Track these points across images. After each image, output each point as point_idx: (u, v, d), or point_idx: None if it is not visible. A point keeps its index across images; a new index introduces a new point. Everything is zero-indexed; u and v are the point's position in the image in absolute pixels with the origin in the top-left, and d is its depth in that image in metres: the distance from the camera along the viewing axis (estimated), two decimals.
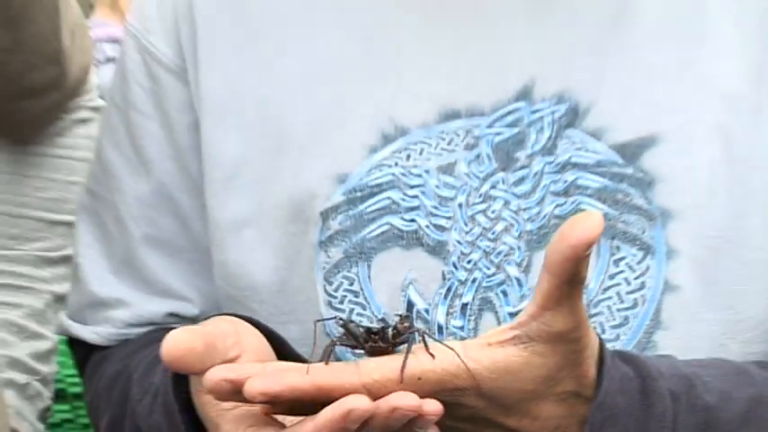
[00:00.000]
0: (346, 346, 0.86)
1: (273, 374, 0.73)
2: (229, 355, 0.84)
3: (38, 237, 1.60)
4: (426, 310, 1.06)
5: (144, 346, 1.15)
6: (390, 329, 0.81)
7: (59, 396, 1.96)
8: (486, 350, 0.79)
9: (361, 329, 0.82)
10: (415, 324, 0.88)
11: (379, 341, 0.81)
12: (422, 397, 0.72)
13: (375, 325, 0.83)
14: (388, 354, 0.80)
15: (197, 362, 0.78)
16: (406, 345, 0.80)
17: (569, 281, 0.75)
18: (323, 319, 1.03)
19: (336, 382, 0.72)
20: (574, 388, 0.83)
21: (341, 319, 0.88)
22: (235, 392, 0.73)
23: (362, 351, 0.84)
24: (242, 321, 0.93)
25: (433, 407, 0.70)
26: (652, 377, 0.89)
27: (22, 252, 1.62)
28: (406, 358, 0.77)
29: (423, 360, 0.76)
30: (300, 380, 0.71)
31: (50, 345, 1.56)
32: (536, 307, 0.77)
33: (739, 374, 0.97)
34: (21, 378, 1.54)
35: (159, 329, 1.18)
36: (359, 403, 0.69)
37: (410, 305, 1.07)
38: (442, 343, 0.80)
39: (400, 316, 0.85)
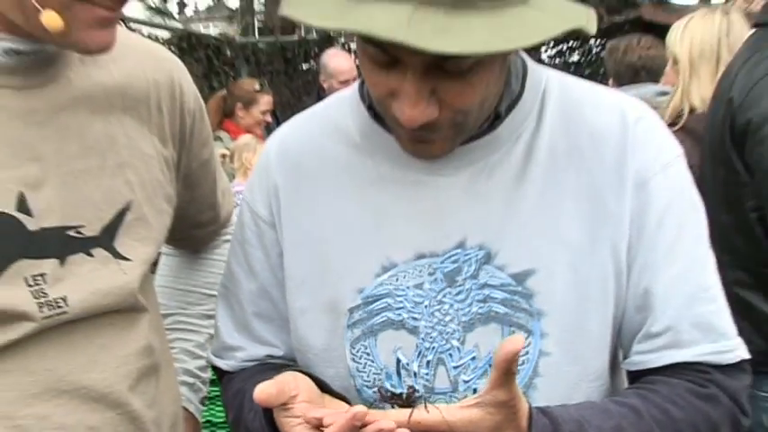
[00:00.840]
0: (384, 401, 1.33)
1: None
2: (291, 394, 1.25)
3: (201, 303, 2.01)
4: (407, 364, 1.43)
5: (254, 374, 1.54)
6: (405, 394, 1.29)
7: None
8: (460, 410, 1.20)
9: (389, 393, 1.32)
10: (417, 391, 1.33)
11: (398, 400, 1.29)
12: None
13: (397, 391, 1.31)
14: (403, 407, 1.24)
15: (273, 400, 1.23)
16: (415, 403, 1.25)
17: (506, 374, 1.14)
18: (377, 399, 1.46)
19: (372, 419, 1.16)
20: (513, 430, 1.22)
21: (380, 388, 1.37)
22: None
23: (388, 404, 1.31)
24: (299, 373, 1.32)
25: None
26: (559, 424, 1.26)
27: (193, 311, 2.01)
28: (412, 412, 1.20)
29: (422, 414, 1.20)
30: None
31: (206, 363, 1.93)
32: (489, 387, 1.17)
33: (603, 412, 1.34)
34: (190, 380, 1.94)
35: (262, 364, 1.61)
36: (387, 423, 1.15)
37: (398, 361, 1.43)
38: (434, 405, 1.20)
39: (412, 387, 1.35)
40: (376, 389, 1.41)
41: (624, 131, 1.43)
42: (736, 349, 1.41)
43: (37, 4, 1.26)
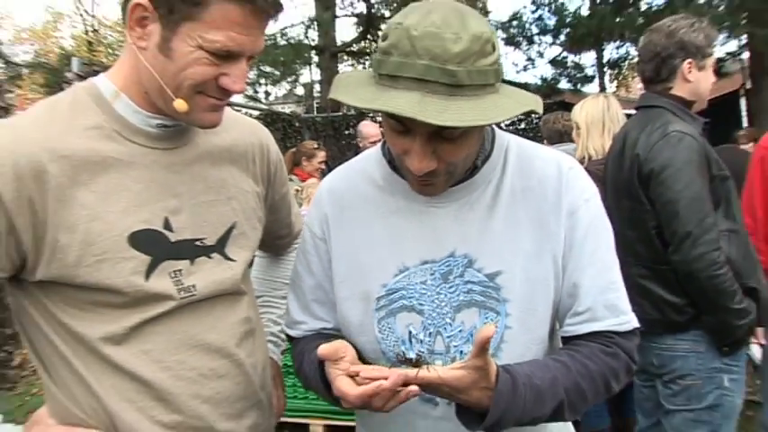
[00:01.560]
0: (400, 363, 1.28)
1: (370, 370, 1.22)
2: (340, 355, 1.28)
3: (281, 288, 1.96)
4: (416, 334, 1.41)
5: (310, 341, 1.52)
6: (414, 359, 1.26)
7: None
8: (450, 371, 1.20)
9: (404, 357, 1.28)
10: (424, 357, 1.29)
11: (409, 363, 1.25)
12: (421, 387, 1.19)
13: (409, 355, 1.29)
14: (413, 368, 1.22)
15: (331, 356, 1.27)
16: (420, 366, 1.23)
17: (482, 349, 1.17)
18: (396, 363, 1.43)
19: (390, 374, 1.18)
20: (485, 385, 1.23)
21: (397, 354, 1.34)
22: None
23: (402, 365, 1.26)
24: (348, 342, 1.36)
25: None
26: (515, 377, 1.26)
27: (276, 294, 1.98)
28: (418, 371, 1.19)
29: (424, 372, 1.20)
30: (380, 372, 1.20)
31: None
32: (470, 356, 1.18)
33: (544, 366, 1.34)
34: (274, 339, 1.91)
35: (317, 334, 1.57)
36: (399, 378, 1.16)
37: (410, 333, 1.42)
38: (433, 367, 1.22)
39: (419, 354, 1.34)
40: (395, 354, 1.39)
41: (560, 177, 1.44)
42: (630, 321, 1.43)
43: (172, 95, 1.34)
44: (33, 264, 1.34)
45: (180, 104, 1.35)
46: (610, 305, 1.41)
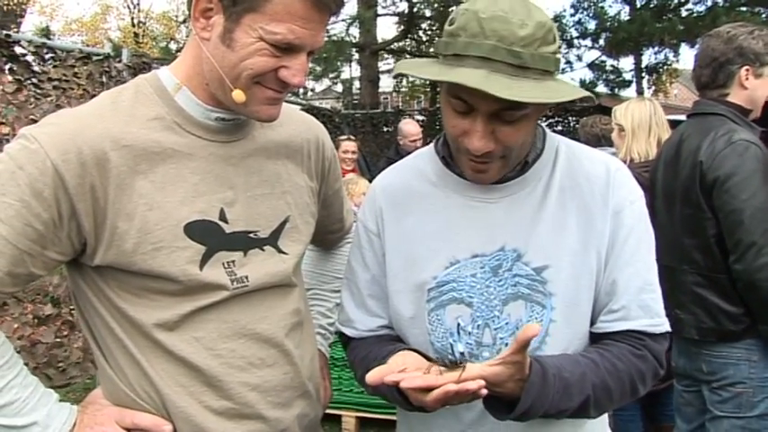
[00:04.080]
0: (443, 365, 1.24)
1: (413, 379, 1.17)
2: (399, 369, 1.23)
3: (331, 282, 1.98)
4: (464, 326, 1.42)
5: (372, 345, 1.52)
6: (458, 362, 1.23)
7: None
8: (489, 367, 1.20)
9: (449, 360, 1.24)
10: (465, 358, 1.27)
11: (452, 365, 1.22)
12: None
13: (452, 357, 1.25)
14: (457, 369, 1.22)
15: (378, 381, 1.20)
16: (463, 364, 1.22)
17: (523, 346, 1.16)
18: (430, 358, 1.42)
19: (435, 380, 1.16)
20: (520, 377, 1.23)
21: (441, 359, 1.28)
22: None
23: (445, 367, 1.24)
24: (408, 351, 1.35)
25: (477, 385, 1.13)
26: (546, 370, 1.27)
27: (326, 287, 1.99)
28: (461, 374, 1.17)
29: (467, 372, 1.18)
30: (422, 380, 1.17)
31: (333, 320, 1.90)
32: (510, 351, 1.18)
33: (575, 362, 1.35)
34: (322, 331, 1.91)
35: (377, 336, 1.57)
36: (473, 384, 1.12)
37: (458, 325, 1.42)
38: (473, 362, 1.24)
39: (462, 354, 1.34)
40: (437, 356, 1.36)
41: (608, 177, 1.46)
42: (663, 324, 1.44)
43: (231, 85, 1.35)
44: (93, 249, 1.36)
45: (238, 95, 1.36)
46: (644, 305, 1.42)
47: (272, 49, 1.32)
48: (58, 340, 4.80)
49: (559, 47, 1.33)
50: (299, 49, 1.35)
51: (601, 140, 4.66)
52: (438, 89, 1.44)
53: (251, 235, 1.49)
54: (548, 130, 1.53)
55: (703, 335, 2.52)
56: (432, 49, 16.22)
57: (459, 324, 1.44)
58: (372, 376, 1.21)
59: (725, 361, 2.59)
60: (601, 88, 15.21)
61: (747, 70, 2.64)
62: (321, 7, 1.33)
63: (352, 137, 7.71)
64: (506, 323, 1.41)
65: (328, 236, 1.91)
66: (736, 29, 2.69)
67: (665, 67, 16.42)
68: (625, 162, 3.61)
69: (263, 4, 1.29)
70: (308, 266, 2.02)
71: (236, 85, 1.36)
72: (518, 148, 1.39)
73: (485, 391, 1.15)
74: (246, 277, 1.46)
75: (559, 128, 13.63)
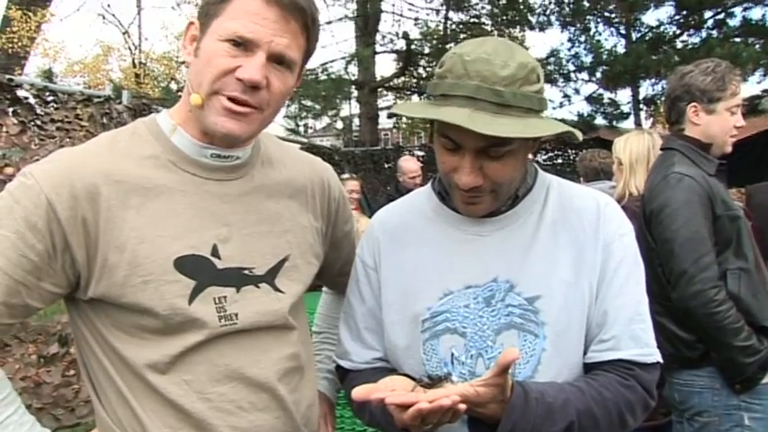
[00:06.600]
0: (426, 384, 1.30)
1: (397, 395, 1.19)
2: (388, 389, 1.25)
3: (336, 319, 1.87)
4: (458, 356, 1.44)
5: (369, 377, 1.45)
6: (440, 377, 1.30)
7: None
8: (471, 387, 1.23)
9: (430, 377, 1.31)
10: (449, 377, 1.32)
11: (434, 383, 1.28)
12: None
13: (437, 374, 1.31)
14: (438, 387, 1.27)
15: (365, 398, 1.22)
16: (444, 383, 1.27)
17: (504, 369, 1.20)
18: (421, 379, 1.44)
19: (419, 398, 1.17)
20: (502, 398, 1.27)
21: (425, 376, 1.35)
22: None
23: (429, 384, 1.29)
24: (396, 375, 1.37)
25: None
26: (528, 393, 1.31)
27: (336, 331, 1.80)
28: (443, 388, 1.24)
29: (449, 389, 1.22)
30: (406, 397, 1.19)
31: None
32: (491, 374, 1.21)
33: (560, 389, 1.37)
34: (330, 377, 1.87)
35: (373, 368, 1.58)
36: (446, 401, 1.15)
37: (452, 354, 1.44)
38: (455, 383, 1.28)
39: (441, 375, 1.35)
40: (419, 377, 1.39)
41: (598, 212, 1.50)
42: (653, 354, 1.46)
43: (191, 88, 1.39)
44: (86, 281, 1.38)
45: (194, 98, 1.38)
46: (634, 336, 1.45)
47: (229, 48, 1.35)
48: (66, 379, 4.79)
49: (542, 88, 1.39)
50: (253, 45, 1.36)
51: (599, 174, 4.69)
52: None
53: (245, 272, 1.47)
54: (540, 170, 1.59)
55: (667, 362, 2.49)
56: None
57: (452, 354, 1.46)
58: (359, 392, 1.23)
59: (690, 389, 2.63)
60: (599, 120, 15.32)
61: (695, 107, 2.73)
62: (274, 5, 1.35)
63: (354, 175, 7.76)
64: (499, 353, 1.42)
65: (340, 278, 1.82)
66: (696, 65, 2.77)
67: (662, 99, 16.49)
68: (624, 196, 3.65)
69: (224, 6, 1.36)
70: (322, 309, 2.02)
71: (196, 91, 1.39)
72: (507, 182, 1.44)
73: (463, 407, 1.18)
74: (236, 315, 1.44)
75: (559, 161, 13.71)
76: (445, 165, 1.43)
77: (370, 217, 5.63)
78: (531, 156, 1.50)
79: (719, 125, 2.73)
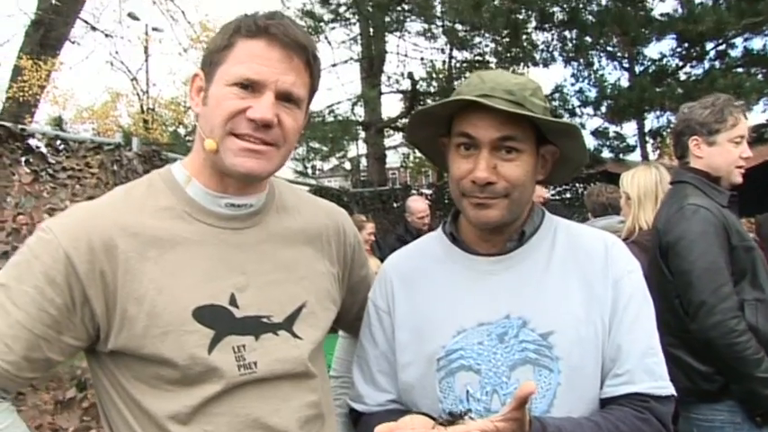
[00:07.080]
0: (445, 422, 1.27)
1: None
2: (409, 429, 1.26)
3: (349, 363, 1.87)
4: (473, 393, 1.46)
5: (383, 418, 1.38)
6: (459, 414, 1.28)
7: None
8: (491, 422, 1.21)
9: (450, 414, 1.29)
10: (468, 413, 1.31)
11: (454, 420, 1.26)
12: None
13: (455, 410, 1.30)
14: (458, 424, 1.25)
15: None
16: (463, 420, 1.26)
17: (522, 402, 1.19)
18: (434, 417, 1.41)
19: None
20: None
21: (444, 412, 1.34)
22: None
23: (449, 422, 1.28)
24: (415, 415, 1.35)
25: None
26: (546, 427, 1.33)
27: (351, 373, 1.83)
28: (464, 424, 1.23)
29: (469, 426, 1.21)
30: None
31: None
32: (510, 408, 1.20)
33: (577, 424, 1.39)
34: (347, 420, 1.81)
35: (387, 411, 1.58)
36: None
37: (467, 392, 1.46)
38: (474, 419, 1.28)
39: (461, 411, 1.32)
40: (438, 414, 1.37)
41: (605, 250, 1.55)
42: (667, 387, 1.49)
43: (203, 135, 1.41)
44: (106, 333, 1.39)
45: (209, 144, 1.41)
46: (648, 369, 1.48)
47: (237, 91, 1.39)
48: (85, 424, 4.76)
49: (548, 108, 1.54)
50: (261, 86, 1.39)
51: (607, 209, 4.70)
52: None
53: (263, 319, 1.48)
54: (547, 212, 1.65)
55: (684, 395, 2.48)
56: None
57: (468, 391, 1.47)
58: (381, 430, 1.24)
59: (710, 424, 2.59)
60: (606, 154, 15.33)
61: (696, 140, 2.78)
62: (278, 45, 1.40)
63: (368, 216, 7.82)
64: (515, 388, 1.43)
65: (357, 322, 1.81)
66: (701, 101, 2.82)
67: (668, 131, 16.55)
68: (633, 230, 3.65)
69: (228, 53, 1.41)
70: (339, 354, 2.05)
71: (209, 136, 1.42)
72: (519, 186, 1.50)
73: None
74: (255, 363, 1.44)
75: (568, 195, 13.70)
76: (460, 170, 1.51)
77: (380, 257, 5.62)
78: (540, 198, 1.54)
79: (722, 157, 2.76)
